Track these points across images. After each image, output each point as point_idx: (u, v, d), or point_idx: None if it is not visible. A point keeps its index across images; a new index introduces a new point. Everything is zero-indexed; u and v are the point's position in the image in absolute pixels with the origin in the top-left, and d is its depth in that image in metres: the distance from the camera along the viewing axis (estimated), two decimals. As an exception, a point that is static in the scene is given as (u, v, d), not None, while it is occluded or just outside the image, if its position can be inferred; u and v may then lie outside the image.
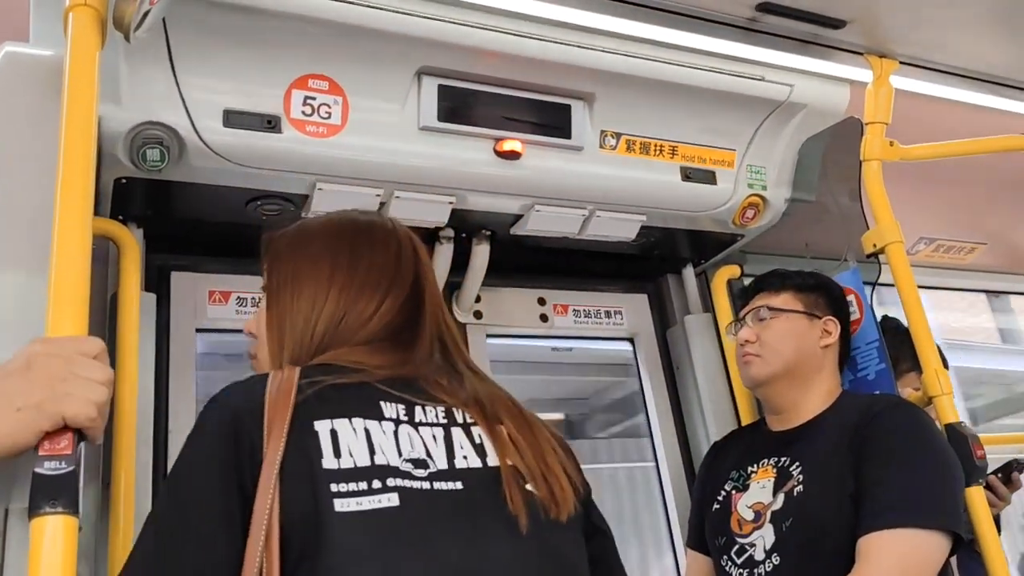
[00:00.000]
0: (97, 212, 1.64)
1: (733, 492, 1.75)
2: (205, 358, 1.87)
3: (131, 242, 1.63)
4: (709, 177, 2.01)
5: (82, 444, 0.91)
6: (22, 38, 1.40)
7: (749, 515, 1.68)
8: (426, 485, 0.96)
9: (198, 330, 1.84)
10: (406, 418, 1.01)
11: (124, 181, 1.58)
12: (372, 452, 0.95)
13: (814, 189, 2.11)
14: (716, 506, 1.78)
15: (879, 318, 2.00)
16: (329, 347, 1.08)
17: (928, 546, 1.46)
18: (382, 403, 1.01)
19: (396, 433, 0.98)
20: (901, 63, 1.91)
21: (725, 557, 1.69)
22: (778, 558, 1.58)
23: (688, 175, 1.98)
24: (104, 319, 1.63)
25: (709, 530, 1.78)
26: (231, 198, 1.69)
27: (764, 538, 1.62)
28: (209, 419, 0.96)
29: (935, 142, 1.98)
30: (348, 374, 1.01)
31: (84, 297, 1.00)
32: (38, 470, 0.87)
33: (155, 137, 1.50)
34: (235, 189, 1.66)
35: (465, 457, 1.02)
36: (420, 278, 1.17)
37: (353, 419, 0.96)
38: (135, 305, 1.59)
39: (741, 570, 1.64)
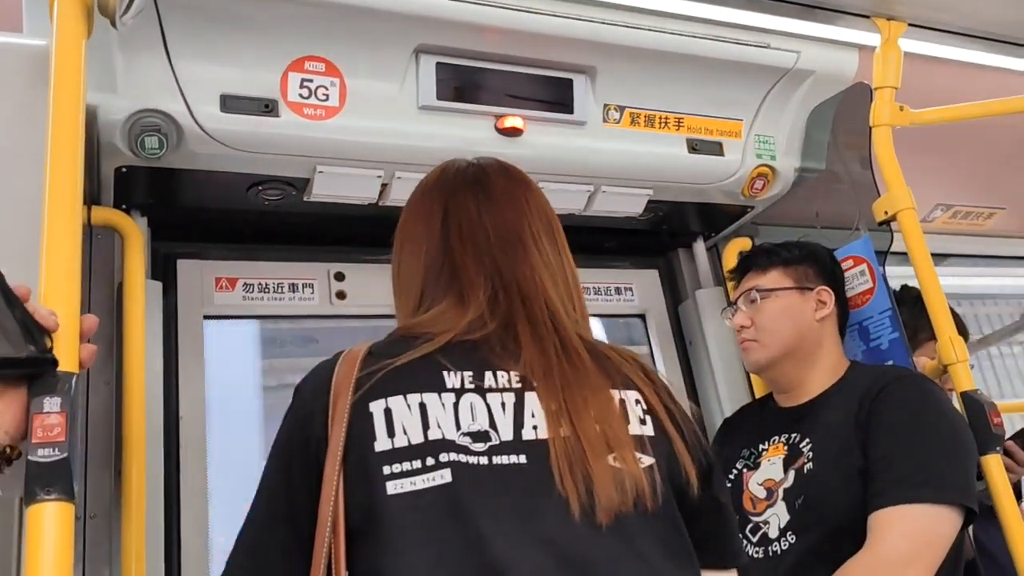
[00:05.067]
0: (101, 202, 1.66)
1: (744, 471, 1.74)
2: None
3: (135, 231, 1.64)
4: (716, 148, 1.97)
5: (79, 427, 0.91)
6: (16, 29, 1.40)
7: (761, 493, 1.67)
8: (483, 460, 0.93)
9: (206, 317, 1.84)
10: (472, 386, 0.98)
11: (124, 170, 1.59)
12: (426, 427, 0.94)
13: (824, 157, 2.08)
14: (728, 484, 1.76)
15: (900, 287, 1.98)
16: (426, 304, 1.10)
17: (939, 521, 1.44)
18: (444, 374, 0.98)
19: (457, 405, 0.96)
20: (909, 25, 1.86)
21: (740, 535, 1.67)
22: (793, 536, 1.57)
23: (695, 147, 1.95)
24: (112, 308, 1.64)
25: None
26: (232, 184, 1.69)
27: (778, 516, 1.61)
28: (290, 411, 1.03)
29: (947, 105, 1.94)
30: (414, 347, 1.00)
31: (75, 286, 1.00)
32: (31, 458, 0.87)
33: (152, 125, 1.50)
34: (235, 175, 1.66)
35: (535, 427, 0.96)
36: (447, 216, 1.13)
37: (408, 395, 0.96)
38: (141, 294, 1.61)
39: (756, 548, 1.63)
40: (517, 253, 1.10)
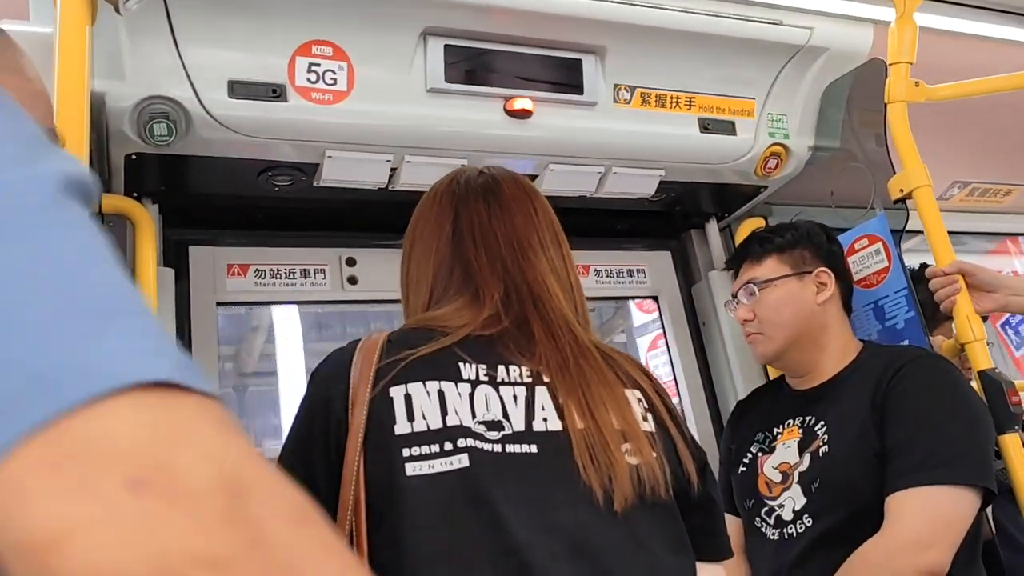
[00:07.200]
0: (111, 190, 1.66)
1: (759, 454, 1.73)
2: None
3: (145, 218, 1.64)
4: (728, 128, 1.95)
5: None
6: (23, 17, 1.40)
7: (776, 476, 1.65)
8: (497, 448, 0.97)
9: (218, 303, 1.84)
10: (486, 378, 1.02)
11: (134, 157, 1.58)
12: (444, 413, 0.97)
13: (838, 135, 2.05)
14: (743, 468, 1.75)
15: (919, 265, 1.95)
16: (436, 302, 1.13)
17: (957, 502, 1.43)
18: (461, 365, 1.02)
19: (472, 395, 1.00)
20: (925, -2, 1.83)
21: (757, 519, 1.67)
22: (810, 519, 1.56)
23: (706, 127, 1.93)
24: (124, 296, 1.64)
25: (737, 492, 1.76)
26: (242, 170, 1.69)
27: (794, 499, 1.60)
28: (307, 396, 1.04)
29: (963, 80, 1.91)
30: (432, 339, 1.03)
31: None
32: None
33: (161, 111, 1.49)
34: (245, 161, 1.66)
35: (545, 419, 1.01)
36: (458, 220, 1.16)
37: (427, 382, 0.99)
38: (153, 281, 1.61)
39: (774, 530, 1.62)
40: (527, 258, 1.15)
